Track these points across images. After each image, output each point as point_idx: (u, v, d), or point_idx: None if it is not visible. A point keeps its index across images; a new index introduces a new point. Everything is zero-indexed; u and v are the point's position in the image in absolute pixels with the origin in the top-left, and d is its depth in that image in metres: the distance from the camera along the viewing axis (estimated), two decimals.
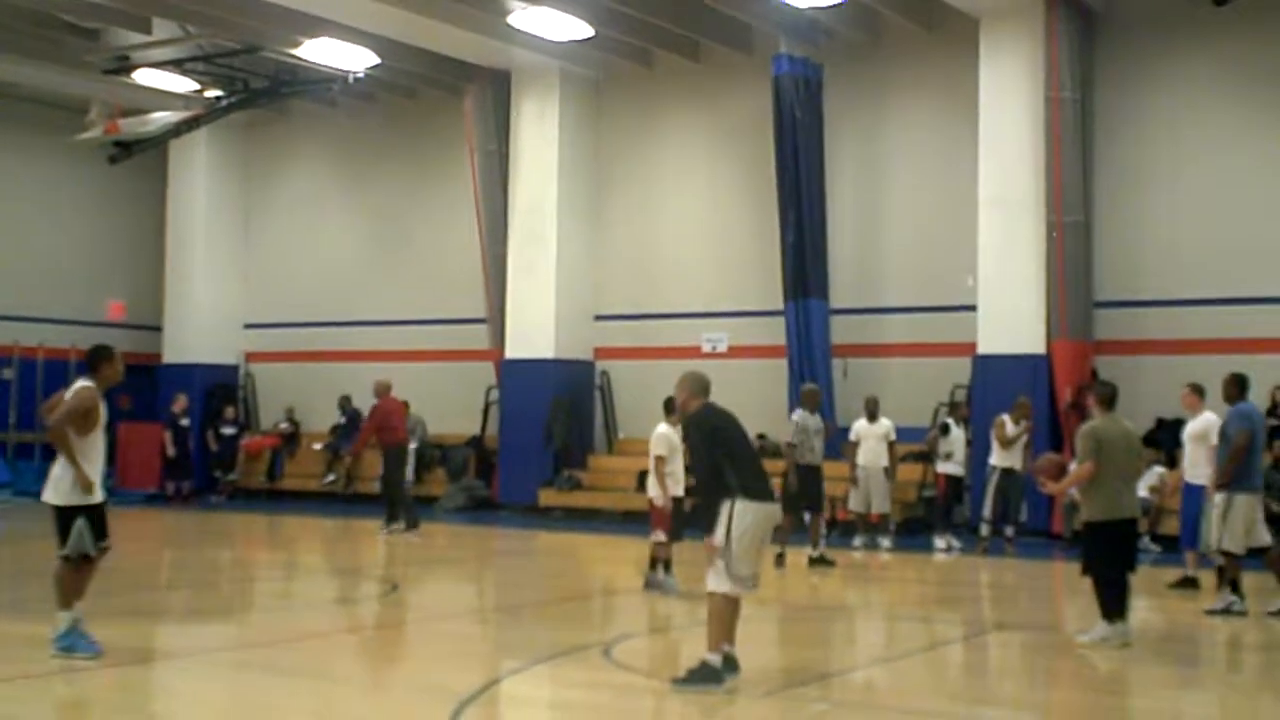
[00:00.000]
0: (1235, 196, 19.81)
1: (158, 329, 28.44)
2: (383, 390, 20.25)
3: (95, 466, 9.75)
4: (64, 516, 9.65)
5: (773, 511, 9.13)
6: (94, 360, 9.88)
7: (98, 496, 9.74)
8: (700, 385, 9.53)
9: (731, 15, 21.42)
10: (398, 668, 10.58)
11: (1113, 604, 10.99)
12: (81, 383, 9.78)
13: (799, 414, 16.79)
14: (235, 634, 12.05)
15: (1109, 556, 11.09)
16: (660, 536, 13.65)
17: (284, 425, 27.22)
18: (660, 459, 13.38)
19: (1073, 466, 11.87)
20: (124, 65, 24.03)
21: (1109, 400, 11.37)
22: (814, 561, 16.30)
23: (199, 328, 28.01)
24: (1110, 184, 20.28)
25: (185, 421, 26.24)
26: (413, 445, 23.97)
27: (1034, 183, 19.83)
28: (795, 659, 11.05)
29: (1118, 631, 10.95)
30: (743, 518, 8.90)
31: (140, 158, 25.15)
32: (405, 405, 21.77)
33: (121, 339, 27.86)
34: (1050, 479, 11.85)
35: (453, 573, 17.45)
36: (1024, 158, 19.95)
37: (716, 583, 8.97)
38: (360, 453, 22.87)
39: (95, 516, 9.71)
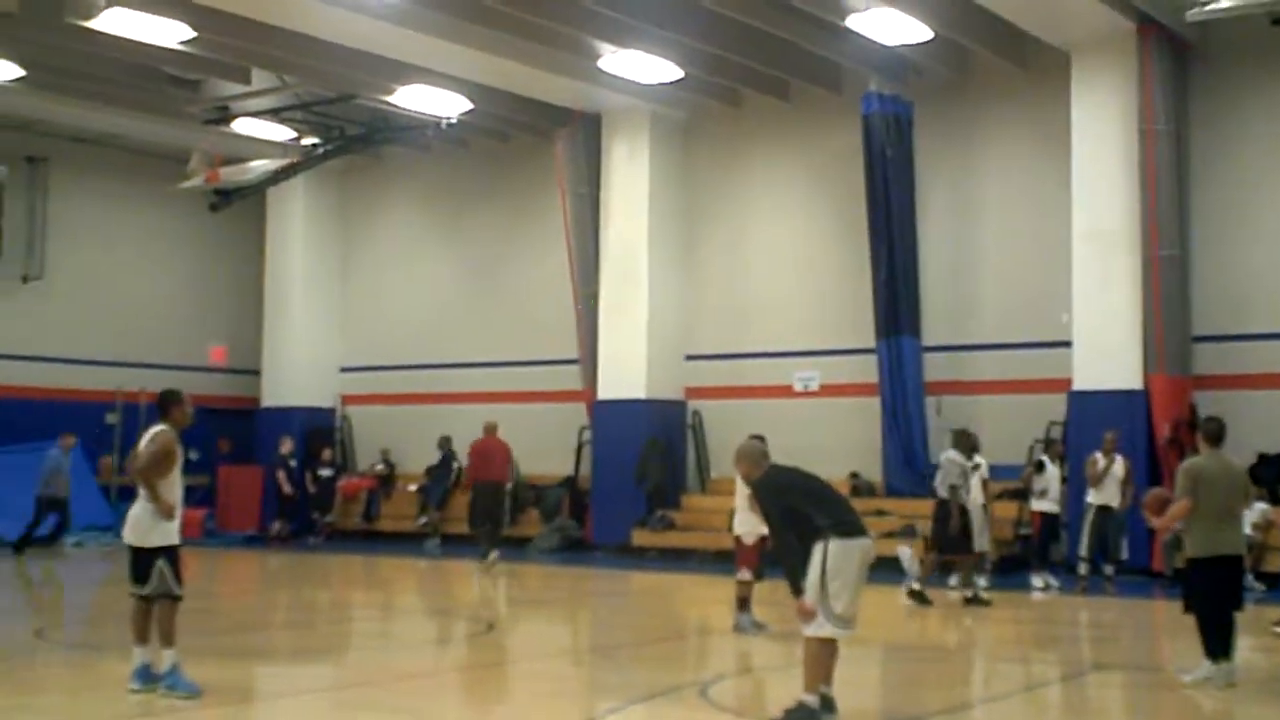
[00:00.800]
0: None
1: (257, 373, 28.94)
2: (486, 430, 21.20)
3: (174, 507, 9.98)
4: (144, 557, 9.88)
5: (867, 547, 9.00)
6: (164, 404, 10.18)
7: (177, 537, 9.96)
8: (759, 453, 9.51)
9: (820, 54, 21.46)
10: (495, 708, 10.64)
11: (1215, 643, 10.77)
12: (157, 427, 10.04)
13: (955, 455, 16.76)
14: (334, 674, 12.17)
15: (1209, 594, 10.88)
16: (745, 575, 13.64)
17: (380, 467, 27.51)
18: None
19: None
20: (223, 115, 24.58)
21: (1214, 437, 11.20)
22: (969, 601, 16.44)
23: (297, 371, 28.46)
24: (1207, 217, 20.02)
25: (293, 463, 26.68)
26: (506, 486, 24.26)
27: (1129, 217, 19.64)
28: (892, 700, 10.98)
29: (1222, 671, 10.72)
30: (836, 557, 8.80)
31: (239, 205, 25.66)
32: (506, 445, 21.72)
33: (222, 383, 28.56)
34: (1154, 514, 11.63)
35: (547, 613, 17.52)
36: (1118, 192, 19.77)
37: (815, 627, 8.85)
38: (453, 492, 23.10)
39: (174, 558, 9.92)
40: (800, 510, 8.95)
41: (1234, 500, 11.07)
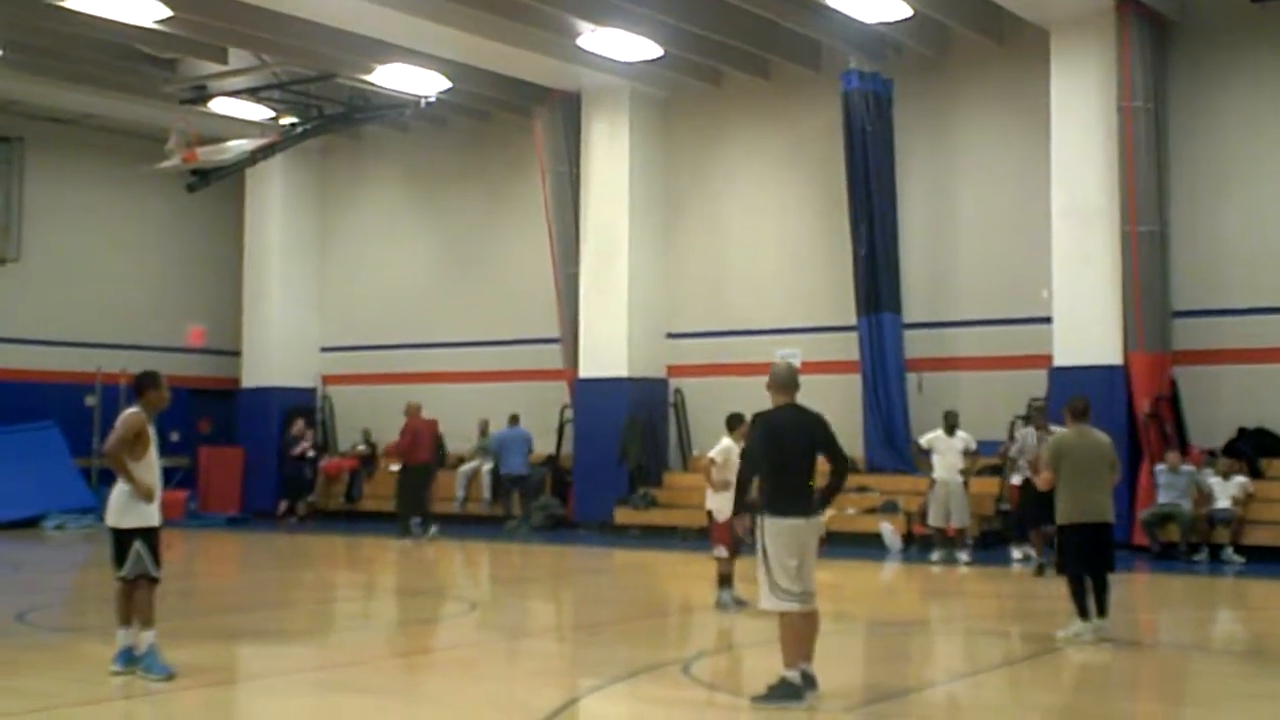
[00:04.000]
0: None
1: (236, 354, 28.87)
2: (412, 411, 22.48)
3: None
4: (122, 539, 9.87)
5: (801, 527, 9.02)
6: (140, 386, 10.15)
7: (156, 519, 9.94)
8: (778, 379, 9.39)
9: (800, 32, 21.44)
10: (478, 687, 10.63)
11: (1083, 602, 11.64)
12: (129, 409, 10.03)
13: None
14: (317, 654, 12.15)
15: (1074, 557, 11.74)
16: (722, 552, 13.69)
17: (361, 447, 27.47)
18: (712, 462, 13.59)
19: None
20: (201, 95, 24.47)
21: (1078, 412, 12.09)
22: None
23: (276, 352, 28.39)
24: (1186, 193, 20.07)
25: (305, 444, 26.99)
26: (488, 466, 24.62)
27: (1108, 193, 19.68)
28: (876, 675, 11.02)
29: (1090, 628, 11.55)
30: (772, 535, 8.97)
31: (218, 185, 25.55)
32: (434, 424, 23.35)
33: (202, 364, 28.48)
34: (1036, 475, 13.01)
35: (530, 591, 17.54)
36: (1097, 168, 19.80)
37: (764, 599, 9.08)
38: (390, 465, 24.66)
39: (152, 540, 9.90)
40: (752, 474, 9.20)
41: (1097, 471, 11.84)
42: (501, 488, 24.71)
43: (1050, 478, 11.85)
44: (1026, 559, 18.19)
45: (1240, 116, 19.99)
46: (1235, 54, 20.08)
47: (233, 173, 25.54)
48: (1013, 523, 19.02)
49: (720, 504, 13.55)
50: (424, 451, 22.54)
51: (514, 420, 24.65)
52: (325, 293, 29.04)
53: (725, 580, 13.73)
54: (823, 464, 9.27)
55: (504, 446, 24.42)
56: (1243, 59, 20.06)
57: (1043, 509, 16.53)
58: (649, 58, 21.96)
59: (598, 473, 23.70)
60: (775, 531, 8.98)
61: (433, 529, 22.07)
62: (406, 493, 22.56)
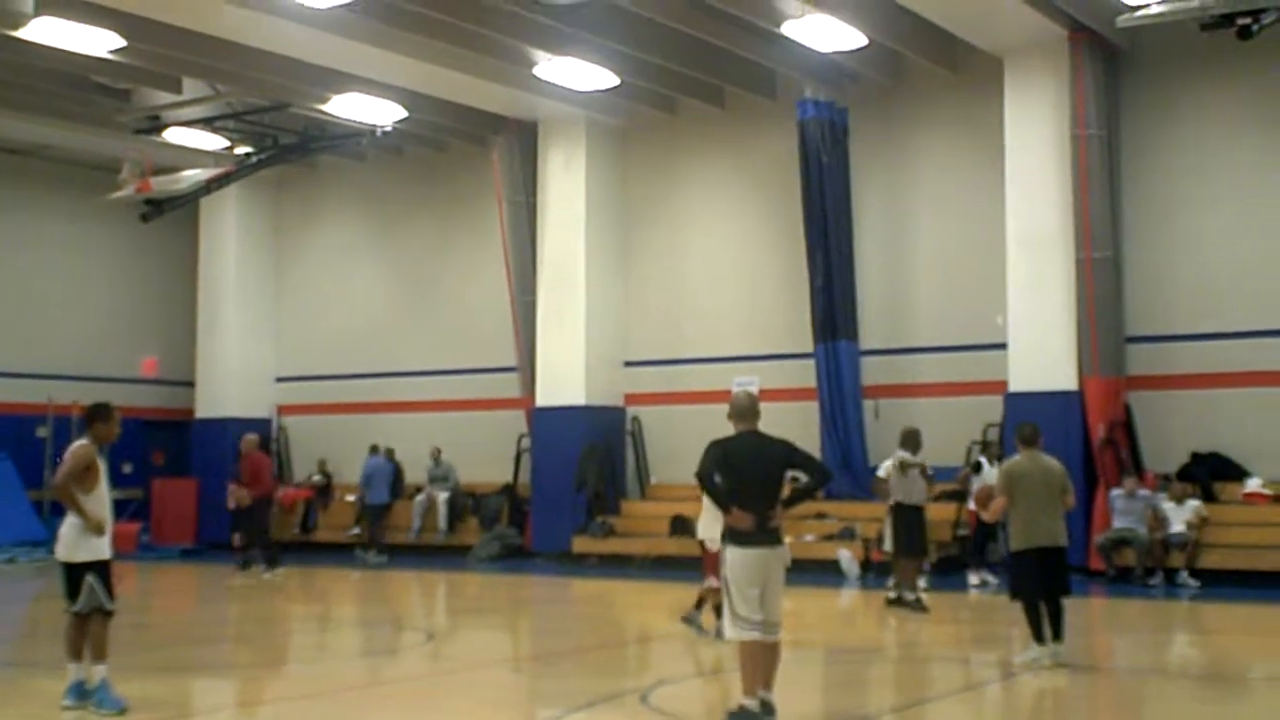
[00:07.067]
0: (1265, 228, 19.74)
1: (190, 384, 28.65)
2: (250, 446, 22.09)
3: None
4: (73, 573, 9.78)
5: (765, 557, 8.97)
6: (89, 418, 10.11)
7: (107, 552, 9.84)
8: (737, 408, 9.46)
9: (755, 61, 21.53)
10: (435, 718, 10.56)
11: (1038, 627, 11.72)
12: (78, 442, 9.96)
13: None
14: (272, 688, 12.04)
15: (1029, 582, 11.81)
16: (714, 582, 13.46)
17: (316, 478, 27.28)
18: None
19: None
20: (155, 124, 24.32)
21: (1027, 439, 12.14)
22: (891, 603, 16.20)
23: (231, 382, 28.19)
24: (1139, 219, 20.25)
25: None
26: (444, 495, 24.54)
27: (1062, 220, 19.82)
28: (834, 702, 11.00)
29: (1047, 652, 11.61)
30: (732, 565, 8.98)
31: (172, 215, 25.40)
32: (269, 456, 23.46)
33: (155, 395, 28.26)
34: (981, 507, 13.09)
35: (487, 622, 17.44)
36: (1051, 195, 19.95)
37: (726, 629, 9.10)
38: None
39: (104, 573, 9.81)
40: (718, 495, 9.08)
41: (1049, 497, 11.88)
42: (367, 516, 24.63)
43: (1003, 503, 11.88)
44: (984, 584, 18.26)
45: (1191, 143, 20.18)
46: (1186, 82, 20.28)
47: (187, 203, 25.40)
48: (969, 548, 19.12)
49: (713, 532, 13.35)
50: (266, 484, 22.31)
51: (374, 450, 24.90)
52: (280, 322, 28.89)
53: (717, 608, 13.52)
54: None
55: (371, 477, 24.51)
56: (1193, 86, 20.26)
57: (908, 536, 16.45)
58: (605, 87, 22.00)
59: (555, 501, 23.60)
60: (736, 561, 8.94)
61: (279, 569, 21.58)
62: (256, 527, 22.13)
